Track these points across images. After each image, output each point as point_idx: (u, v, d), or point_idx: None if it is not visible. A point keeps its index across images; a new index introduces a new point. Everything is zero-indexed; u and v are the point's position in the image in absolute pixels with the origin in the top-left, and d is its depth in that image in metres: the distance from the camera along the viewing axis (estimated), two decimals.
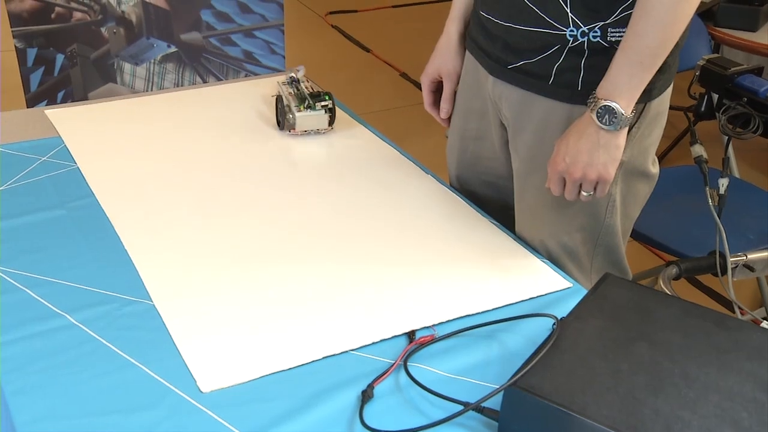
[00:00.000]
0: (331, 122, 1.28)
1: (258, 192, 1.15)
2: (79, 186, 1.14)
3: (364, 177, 1.21)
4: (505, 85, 1.07)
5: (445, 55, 1.17)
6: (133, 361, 0.85)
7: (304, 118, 1.25)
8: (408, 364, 0.86)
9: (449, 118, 1.22)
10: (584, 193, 1.00)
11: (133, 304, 0.93)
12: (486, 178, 1.21)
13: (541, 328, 0.92)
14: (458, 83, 1.19)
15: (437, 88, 1.21)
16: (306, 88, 1.30)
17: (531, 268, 1.04)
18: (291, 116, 1.25)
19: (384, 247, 1.05)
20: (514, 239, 1.09)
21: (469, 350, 0.89)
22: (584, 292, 0.99)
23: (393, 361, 0.87)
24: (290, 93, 1.29)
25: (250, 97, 1.42)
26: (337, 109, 1.33)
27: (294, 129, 1.26)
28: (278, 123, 1.29)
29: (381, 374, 0.84)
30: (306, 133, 1.27)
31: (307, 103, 1.27)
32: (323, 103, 1.27)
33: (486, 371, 0.87)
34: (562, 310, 0.93)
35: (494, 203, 1.20)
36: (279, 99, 1.28)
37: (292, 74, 1.32)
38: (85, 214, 1.08)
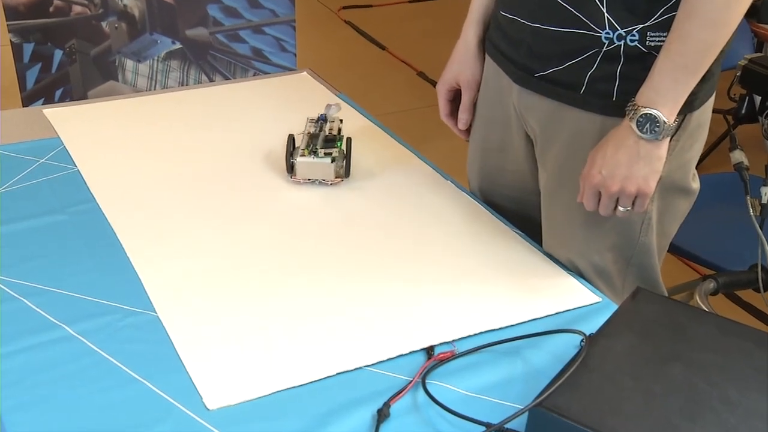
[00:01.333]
0: (340, 173, 1.16)
1: (268, 198, 1.15)
2: (80, 189, 1.15)
3: (380, 182, 1.21)
4: (532, 95, 1.06)
5: (463, 62, 1.16)
6: (135, 375, 0.85)
7: (305, 164, 1.13)
8: (426, 381, 0.86)
9: (468, 129, 1.22)
10: (621, 209, 0.99)
11: (136, 315, 0.94)
12: (509, 192, 1.20)
13: (568, 345, 0.92)
14: (478, 91, 1.19)
15: (455, 97, 1.21)
16: (331, 129, 1.19)
17: (557, 282, 1.04)
18: (293, 160, 1.14)
19: (401, 258, 1.06)
20: (539, 250, 1.10)
21: (491, 367, 0.90)
22: (614, 307, 0.99)
23: (410, 379, 0.87)
24: (308, 133, 1.18)
25: (258, 96, 1.43)
26: (350, 110, 1.32)
27: (295, 175, 1.14)
28: (287, 166, 1.15)
29: (398, 392, 0.85)
30: (310, 181, 1.15)
31: (311, 147, 1.15)
32: (328, 150, 1.15)
33: (509, 390, 0.87)
34: (591, 326, 0.93)
35: (518, 218, 1.20)
36: (290, 139, 1.16)
37: (325, 112, 1.22)
38: (85, 219, 1.09)
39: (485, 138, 1.20)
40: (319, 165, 1.14)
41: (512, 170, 1.18)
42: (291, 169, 1.16)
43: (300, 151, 1.15)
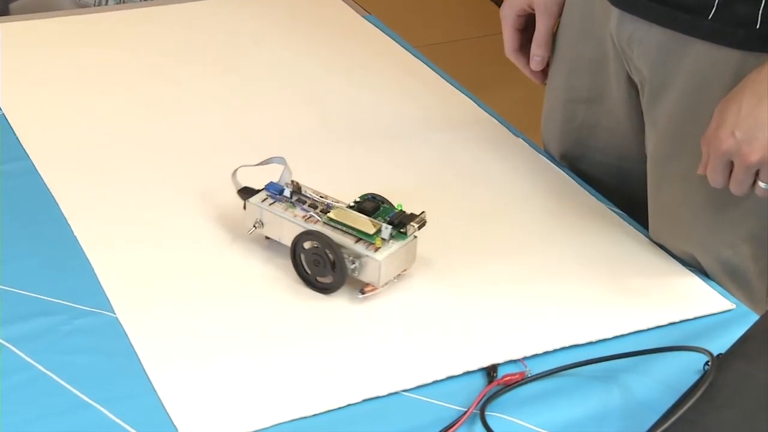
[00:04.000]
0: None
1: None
2: (8, 142, 1.16)
3: (423, 138, 1.22)
4: (639, 23, 1.06)
5: None
6: (85, 398, 0.86)
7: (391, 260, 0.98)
8: (486, 413, 0.87)
9: (545, 71, 1.23)
10: (762, 185, 0.98)
11: (87, 317, 0.94)
12: (603, 158, 1.21)
13: (686, 369, 0.92)
14: (559, 18, 1.18)
15: (527, 25, 1.21)
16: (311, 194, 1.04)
17: (672, 281, 1.05)
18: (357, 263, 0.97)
19: (452, 244, 1.06)
20: (646, 236, 1.11)
21: (576, 397, 0.90)
22: (753, 318, 0.99)
23: (465, 409, 0.87)
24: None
25: (257, 18, 1.44)
26: (381, 38, 1.35)
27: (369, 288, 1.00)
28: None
29: (447, 427, 0.85)
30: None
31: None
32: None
33: (601, 427, 0.87)
34: (720, 344, 0.93)
35: (615, 194, 1.20)
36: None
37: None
38: (17, 185, 1.10)
39: (570, 84, 1.20)
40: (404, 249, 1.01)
41: (608, 129, 1.18)
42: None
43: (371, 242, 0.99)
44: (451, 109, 1.31)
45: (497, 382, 0.90)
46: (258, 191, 1.05)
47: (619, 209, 1.15)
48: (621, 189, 1.20)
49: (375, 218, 1.01)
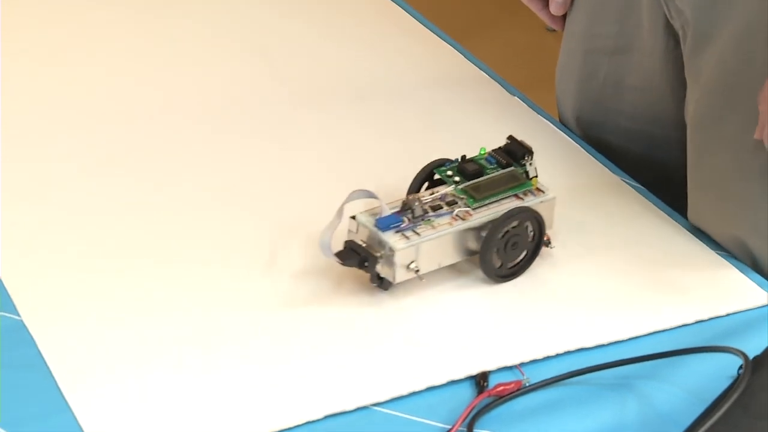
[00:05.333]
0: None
1: (226, 140, 1.20)
2: None
3: (402, 97, 1.25)
4: None
5: None
6: None
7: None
8: (475, 430, 0.86)
9: (564, 17, 1.23)
10: None
11: None
12: (628, 124, 1.22)
13: (716, 374, 0.92)
14: None
15: None
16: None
17: (700, 269, 1.05)
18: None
19: None
20: (675, 219, 1.11)
21: (583, 409, 0.90)
22: None
23: (449, 426, 0.87)
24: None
25: None
26: None
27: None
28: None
29: None
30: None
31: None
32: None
33: None
34: (756, 344, 0.93)
35: (641, 167, 1.20)
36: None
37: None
38: None
39: (591, 31, 1.20)
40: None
41: (637, 87, 1.19)
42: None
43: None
44: (433, 63, 1.33)
45: (488, 392, 0.90)
46: (362, 246, 0.99)
47: (640, 185, 1.16)
48: (649, 161, 1.21)
49: (497, 169, 1.05)
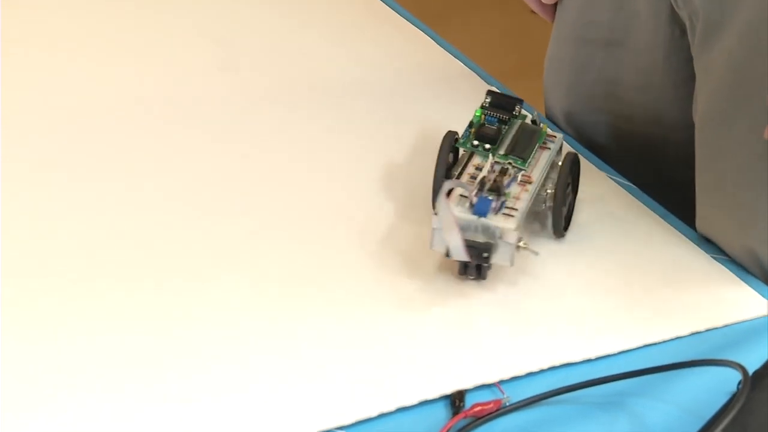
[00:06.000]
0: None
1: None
2: None
3: (369, 90, 1.27)
4: None
5: None
6: None
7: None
8: None
9: (555, 6, 1.24)
10: None
11: None
12: (626, 125, 1.22)
13: (713, 390, 0.92)
14: None
15: None
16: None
17: (698, 278, 1.06)
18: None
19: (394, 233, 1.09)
20: (668, 223, 1.12)
21: (571, 429, 0.90)
22: None
23: None
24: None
25: None
26: None
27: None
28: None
29: None
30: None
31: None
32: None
33: None
34: (756, 358, 0.94)
35: (639, 169, 1.21)
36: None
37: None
38: None
39: (585, 18, 1.21)
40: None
41: (635, 83, 1.19)
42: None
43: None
44: (402, 50, 1.33)
45: (465, 413, 0.90)
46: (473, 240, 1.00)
47: (634, 185, 1.16)
48: (646, 164, 1.21)
49: (504, 126, 1.08)
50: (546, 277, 1.05)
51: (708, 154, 1.10)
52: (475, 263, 1.00)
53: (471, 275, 1.01)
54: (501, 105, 1.10)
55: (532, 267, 1.05)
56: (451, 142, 1.08)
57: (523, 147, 1.07)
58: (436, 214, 0.99)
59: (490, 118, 1.09)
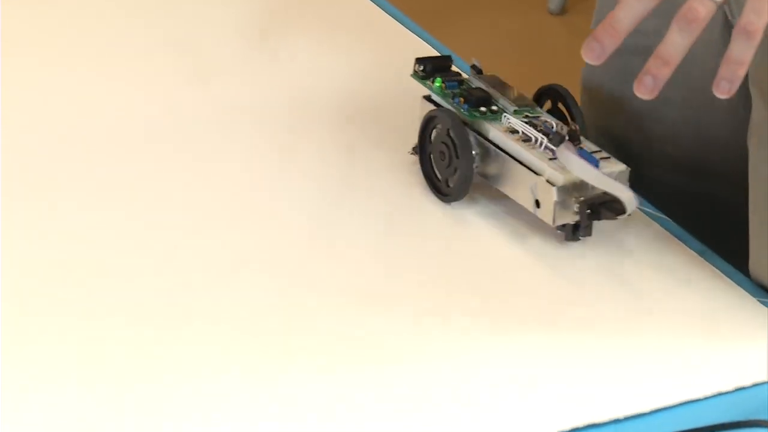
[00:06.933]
0: None
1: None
2: None
3: (357, 107, 1.25)
4: None
5: None
6: None
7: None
8: None
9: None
10: None
11: None
12: (670, 149, 1.21)
13: None
14: None
15: None
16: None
17: (742, 323, 1.02)
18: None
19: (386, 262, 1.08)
20: (706, 260, 1.08)
21: None
22: None
23: None
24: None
25: None
26: None
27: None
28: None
29: None
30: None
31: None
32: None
33: None
34: None
35: (682, 200, 1.19)
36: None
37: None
38: None
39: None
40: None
41: (684, 101, 1.18)
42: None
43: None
44: (396, 57, 1.29)
45: None
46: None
47: (665, 216, 1.13)
48: (691, 195, 1.20)
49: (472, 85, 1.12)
50: (564, 333, 1.03)
51: (764, 189, 1.08)
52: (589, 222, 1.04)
53: (582, 235, 1.04)
54: (440, 67, 1.14)
55: (537, 312, 1.04)
56: (456, 122, 1.09)
57: (516, 95, 1.12)
58: (554, 185, 1.02)
59: (450, 84, 1.11)
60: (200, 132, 1.25)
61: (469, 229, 1.15)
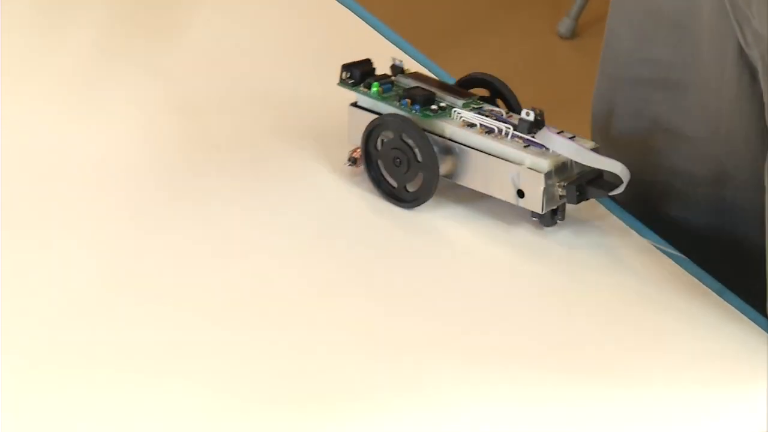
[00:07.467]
0: None
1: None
2: None
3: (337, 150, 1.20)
4: None
5: None
6: None
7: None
8: None
9: None
10: None
11: None
12: (686, 186, 1.19)
13: None
14: None
15: None
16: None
17: (763, 366, 1.02)
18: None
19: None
20: (725, 300, 1.06)
21: None
22: None
23: None
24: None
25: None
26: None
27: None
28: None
29: None
30: None
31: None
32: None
33: None
34: None
35: (701, 239, 1.18)
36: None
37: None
38: None
39: (639, 56, 1.19)
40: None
41: (699, 133, 1.16)
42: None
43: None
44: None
45: None
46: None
47: (681, 254, 1.11)
48: (709, 233, 1.18)
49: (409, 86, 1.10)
50: (563, 376, 1.00)
51: None
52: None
53: (560, 219, 1.06)
54: (367, 71, 1.13)
55: (541, 350, 1.01)
56: (412, 125, 1.08)
57: (451, 89, 1.12)
58: (540, 172, 1.02)
59: (386, 86, 1.11)
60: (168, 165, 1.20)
61: (440, 234, 1.13)
